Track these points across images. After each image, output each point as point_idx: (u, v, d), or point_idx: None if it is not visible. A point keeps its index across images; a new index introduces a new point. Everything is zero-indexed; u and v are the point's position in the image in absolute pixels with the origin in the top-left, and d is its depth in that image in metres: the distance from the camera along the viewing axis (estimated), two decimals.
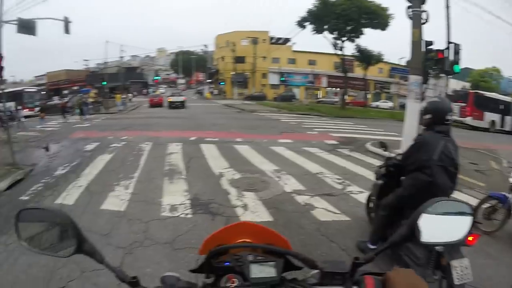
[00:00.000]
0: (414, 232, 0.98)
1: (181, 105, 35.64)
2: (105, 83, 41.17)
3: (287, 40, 56.47)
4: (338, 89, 58.57)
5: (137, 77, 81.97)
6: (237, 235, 1.25)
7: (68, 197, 7.20)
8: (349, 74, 41.49)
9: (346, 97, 42.01)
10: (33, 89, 42.10)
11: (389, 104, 49.90)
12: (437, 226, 0.98)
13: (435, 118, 3.54)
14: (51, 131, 20.29)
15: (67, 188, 7.87)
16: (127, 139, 14.64)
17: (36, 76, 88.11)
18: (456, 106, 23.10)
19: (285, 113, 29.70)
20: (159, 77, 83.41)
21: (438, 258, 3.04)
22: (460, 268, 2.91)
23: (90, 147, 13.18)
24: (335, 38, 36.28)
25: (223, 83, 62.18)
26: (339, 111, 33.58)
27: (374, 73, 55.11)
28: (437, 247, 2.81)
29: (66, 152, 12.76)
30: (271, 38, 60.96)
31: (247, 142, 13.13)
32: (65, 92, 73.47)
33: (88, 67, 71.07)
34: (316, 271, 1.06)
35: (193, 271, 1.23)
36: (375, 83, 61.37)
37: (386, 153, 4.97)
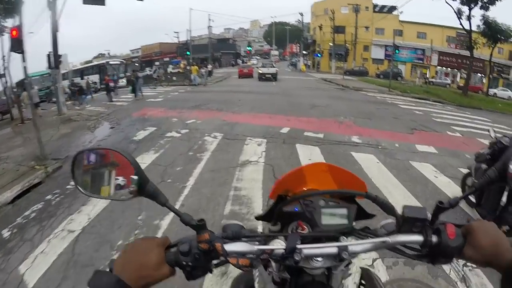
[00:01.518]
0: (503, 174, 0.88)
1: (272, 77, 31.42)
2: (189, 53, 37.21)
3: (393, 8, 48.87)
4: (449, 69, 49.95)
5: (228, 48, 79.61)
6: (310, 177, 1.12)
7: (40, 257, 3.77)
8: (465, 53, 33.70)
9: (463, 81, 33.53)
10: (117, 62, 40.49)
11: (509, 93, 39.31)
12: None
13: None
14: (120, 106, 17.58)
15: (58, 228, 4.44)
16: (193, 124, 10.73)
17: (131, 50, 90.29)
18: None
19: (398, 95, 23.76)
20: (251, 48, 78.73)
21: None
22: None
23: (141, 135, 9.60)
24: (463, 3, 27.97)
25: (320, 55, 55.47)
26: (461, 98, 26.01)
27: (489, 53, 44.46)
28: None
29: (112, 140, 9.53)
30: (375, 6, 52.95)
31: (370, 146, 8.27)
32: (157, 63, 74.30)
33: (178, 39, 69.65)
34: (387, 221, 1.00)
35: (258, 217, 1.16)
36: (492, 66, 49.87)
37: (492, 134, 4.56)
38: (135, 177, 0.88)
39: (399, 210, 0.91)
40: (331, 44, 51.87)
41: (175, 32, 66.64)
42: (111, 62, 39.29)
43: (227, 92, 21.05)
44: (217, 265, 0.90)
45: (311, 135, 9.08)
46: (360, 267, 1.38)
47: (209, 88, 25.54)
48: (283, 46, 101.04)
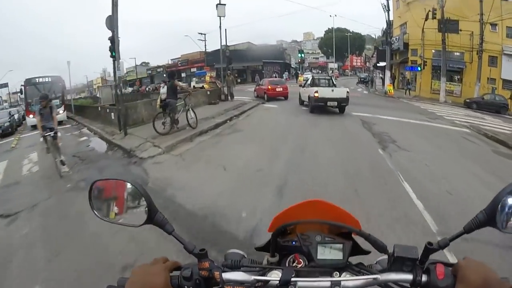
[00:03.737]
0: (492, 219, 0.88)
1: (339, 106, 16.62)
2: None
3: None
4: None
5: (274, 56, 57.97)
6: (308, 213, 1.10)
7: None
8: None
9: None
10: (46, 78, 22.62)
11: None
12: None
13: None
14: None
15: None
16: None
17: (172, 59, 73.37)
18: None
19: None
20: (303, 55, 51.46)
21: None
22: None
23: None
24: None
25: (419, 68, 31.07)
26: None
27: None
28: None
29: None
30: None
31: None
32: (183, 75, 56.35)
33: (205, 45, 50.90)
34: (383, 257, 1.03)
35: (258, 249, 1.18)
36: None
37: None
38: (145, 207, 0.98)
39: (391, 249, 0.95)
40: (433, 50, 30.63)
41: (199, 33, 46.91)
42: (36, 80, 21.74)
43: None
44: None
45: None
46: None
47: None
48: (341, 59, 79.75)
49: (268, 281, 0.92)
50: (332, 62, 74.20)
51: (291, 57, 68.73)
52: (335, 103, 16.07)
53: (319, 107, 16.15)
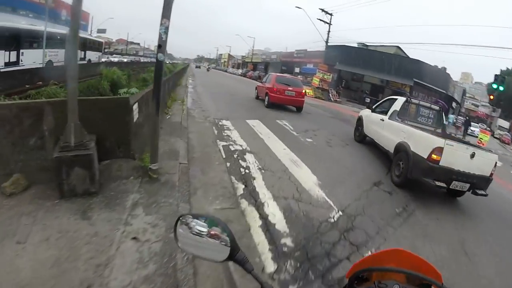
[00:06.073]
0: None
1: (467, 191, 6.26)
2: None
3: None
4: None
5: (432, 79, 35.18)
6: (389, 262, 1.10)
7: None
8: None
9: None
10: None
11: None
12: None
13: None
14: None
15: None
16: None
17: (297, 50, 63.37)
18: None
19: None
20: (501, 87, 18.76)
21: None
22: None
23: None
24: None
25: None
26: None
27: None
28: None
29: None
30: None
31: None
32: (296, 70, 46.79)
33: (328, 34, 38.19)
34: None
35: None
36: None
37: None
38: (229, 244, 1.01)
39: None
40: None
41: (322, 10, 33.68)
42: None
43: None
44: None
45: None
46: None
47: None
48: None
49: None
50: (496, 115, 55.63)
51: (454, 91, 48.74)
52: (466, 186, 6.20)
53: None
